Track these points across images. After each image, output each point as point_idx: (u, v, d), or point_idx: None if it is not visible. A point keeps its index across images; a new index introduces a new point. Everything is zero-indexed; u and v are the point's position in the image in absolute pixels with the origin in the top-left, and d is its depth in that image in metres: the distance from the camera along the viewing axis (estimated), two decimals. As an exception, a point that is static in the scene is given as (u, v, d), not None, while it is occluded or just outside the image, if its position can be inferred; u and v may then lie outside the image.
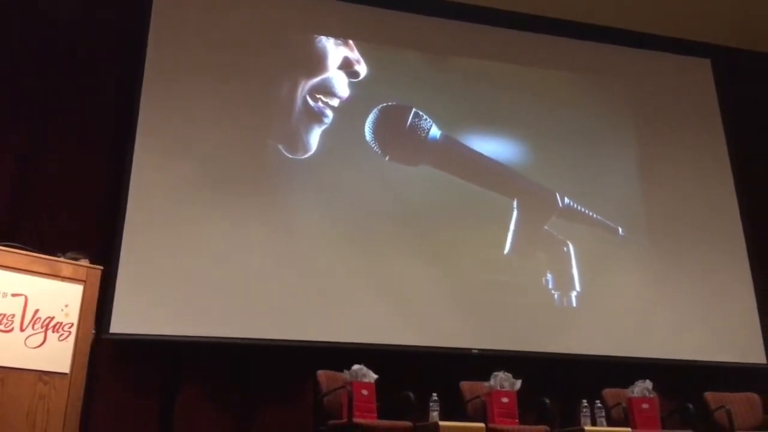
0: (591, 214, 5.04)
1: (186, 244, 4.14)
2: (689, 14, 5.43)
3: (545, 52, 5.38)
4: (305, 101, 4.74)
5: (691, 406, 4.18)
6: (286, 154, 4.57)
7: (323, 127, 4.72)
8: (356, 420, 3.46)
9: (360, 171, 4.68)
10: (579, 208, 5.04)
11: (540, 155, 5.12)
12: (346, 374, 3.69)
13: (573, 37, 5.46)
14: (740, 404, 4.32)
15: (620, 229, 5.04)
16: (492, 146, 5.04)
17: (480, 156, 5.00)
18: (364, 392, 3.60)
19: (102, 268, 3.05)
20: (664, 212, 5.16)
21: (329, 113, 4.76)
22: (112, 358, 3.90)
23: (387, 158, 4.78)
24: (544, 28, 5.40)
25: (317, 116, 4.73)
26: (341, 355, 3.97)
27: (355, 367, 3.69)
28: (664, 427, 4.09)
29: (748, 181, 5.42)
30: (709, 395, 4.35)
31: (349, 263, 4.41)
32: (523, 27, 5.36)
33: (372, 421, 3.52)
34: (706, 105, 5.60)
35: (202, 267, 4.11)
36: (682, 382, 4.59)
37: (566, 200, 5.04)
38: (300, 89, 4.76)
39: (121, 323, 3.86)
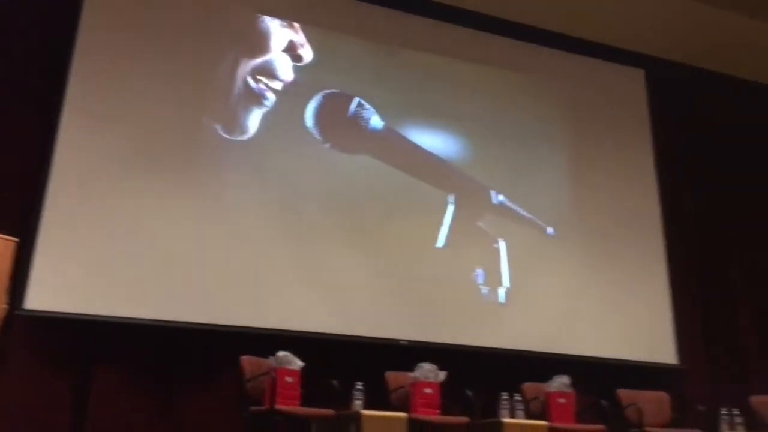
0: (522, 212, 5.16)
1: (111, 220, 4.01)
2: (627, 25, 5.61)
3: (488, 50, 5.44)
4: (246, 82, 4.64)
5: (604, 402, 4.35)
6: (223, 134, 4.48)
7: (263, 109, 4.64)
8: (278, 407, 3.44)
9: (298, 156, 4.64)
10: (511, 205, 5.14)
11: (477, 151, 5.19)
12: (271, 360, 3.66)
13: (516, 38, 5.55)
14: (650, 402, 4.52)
15: (550, 228, 5.18)
16: (431, 140, 5.08)
17: (419, 149, 5.03)
18: (289, 379, 3.58)
19: (17, 240, 2.91)
20: (591, 214, 5.33)
21: (270, 96, 4.68)
22: (26, 335, 3.74)
23: (327, 146, 4.75)
24: (489, 26, 5.47)
25: (257, 98, 4.65)
26: (268, 341, 3.93)
27: (281, 353, 3.67)
28: (578, 422, 4.24)
29: (669, 190, 5.65)
30: (621, 392, 4.53)
31: (280, 249, 4.37)
32: (468, 24, 5.41)
33: (294, 408, 3.50)
34: (637, 114, 5.80)
35: (127, 245, 4.00)
36: (599, 378, 4.76)
37: (500, 197, 5.14)
38: (241, 69, 4.66)
39: (37, 299, 3.70)
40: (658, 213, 5.51)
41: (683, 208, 5.72)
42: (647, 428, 4.27)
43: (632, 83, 5.87)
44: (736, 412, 4.42)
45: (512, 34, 5.54)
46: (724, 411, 4.43)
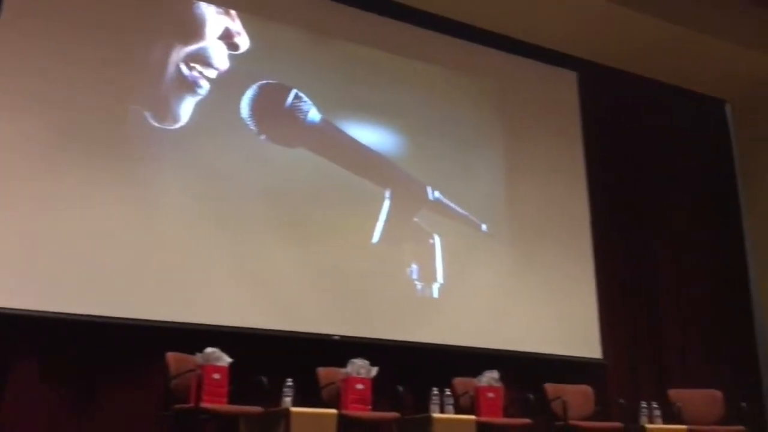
0: (458, 209, 5.21)
1: (32, 211, 3.82)
2: (561, 27, 5.72)
3: (427, 46, 5.45)
4: (178, 69, 4.50)
5: (531, 396, 4.46)
6: (153, 122, 4.33)
7: (196, 97, 4.51)
8: (204, 405, 3.35)
9: (232, 148, 4.53)
10: (447, 202, 5.18)
11: (414, 148, 5.20)
12: (197, 357, 3.57)
13: (455, 36, 5.57)
14: (575, 396, 4.66)
15: (484, 225, 5.25)
16: (369, 134, 5.05)
17: (357, 143, 5.00)
18: (216, 376, 3.50)
19: None
20: (524, 212, 5.44)
21: (204, 84, 4.55)
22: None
23: (263, 137, 4.66)
24: (428, 23, 5.47)
25: (190, 86, 4.51)
26: (198, 337, 3.83)
27: (208, 350, 3.58)
28: (506, 416, 4.32)
29: (598, 190, 5.82)
30: (548, 386, 4.65)
31: (211, 242, 4.26)
32: (408, 20, 5.40)
33: (220, 405, 3.43)
34: (569, 115, 5.94)
35: (47, 234, 3.82)
36: (527, 373, 4.87)
37: (436, 194, 5.17)
38: (174, 56, 4.51)
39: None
40: (587, 212, 5.67)
41: (611, 208, 5.90)
42: (571, 421, 4.39)
43: (565, 85, 6.00)
44: (654, 405, 4.60)
45: (451, 32, 5.56)
46: (643, 404, 4.60)
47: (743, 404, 4.68)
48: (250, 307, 4.24)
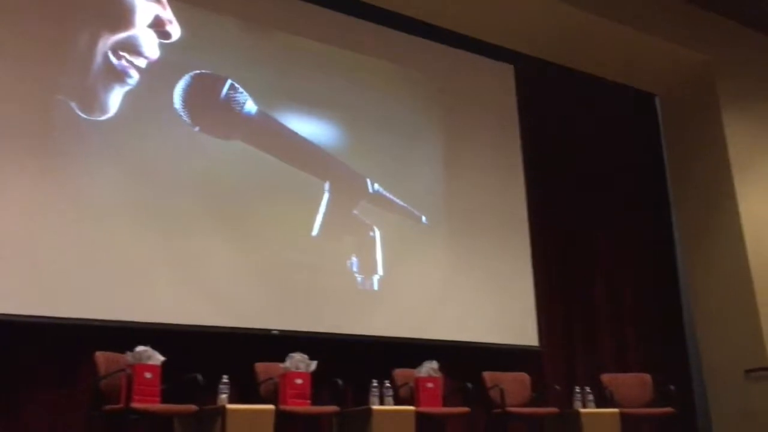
0: (398, 201, 5.21)
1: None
2: (499, 20, 5.80)
3: (366, 38, 5.43)
4: (106, 58, 4.33)
5: (469, 384, 4.52)
6: (79, 113, 4.15)
7: (126, 88, 4.36)
8: (135, 405, 3.25)
9: (165, 140, 4.40)
10: (387, 195, 5.18)
11: (353, 140, 5.18)
12: (128, 356, 3.46)
13: (393, 28, 5.57)
14: (512, 383, 4.75)
15: (423, 218, 5.28)
16: (307, 127, 5.00)
17: (295, 135, 4.94)
18: (148, 375, 3.40)
19: None
20: (463, 205, 5.49)
21: (134, 74, 4.40)
22: None
23: (197, 129, 4.54)
24: (368, 15, 5.45)
25: (119, 75, 4.35)
26: (129, 335, 3.72)
27: (139, 348, 3.47)
28: (445, 405, 4.37)
29: (535, 184, 5.94)
30: (486, 375, 4.73)
31: (143, 237, 4.13)
32: (347, 11, 5.37)
33: (152, 405, 3.33)
34: (507, 108, 6.02)
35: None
36: (467, 362, 4.93)
37: (376, 186, 5.16)
38: (101, 44, 4.34)
39: None
40: (524, 204, 5.77)
41: (547, 200, 6.03)
42: (508, 408, 4.48)
43: (502, 78, 6.08)
44: (588, 389, 4.73)
45: (390, 24, 5.56)
46: (577, 389, 4.73)
47: (671, 387, 4.87)
48: (184, 304, 4.14)
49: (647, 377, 5.10)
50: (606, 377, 5.06)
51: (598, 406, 4.69)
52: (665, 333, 6.31)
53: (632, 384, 5.03)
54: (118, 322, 3.87)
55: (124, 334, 3.75)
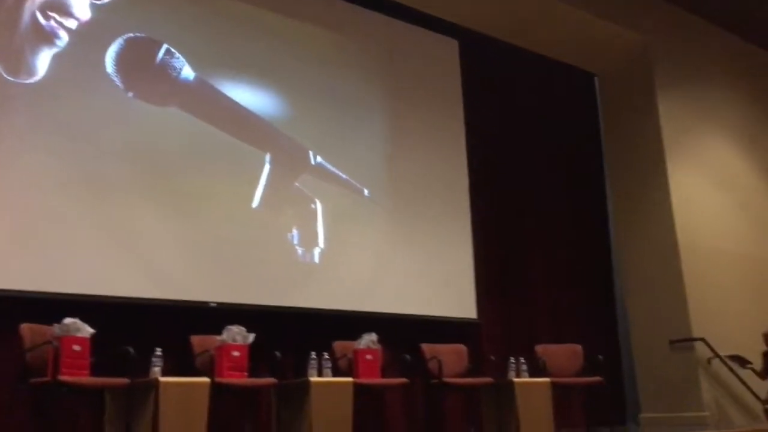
0: (340, 174, 5.18)
1: None
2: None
3: (310, 7, 5.32)
4: (34, 17, 4.11)
5: (408, 356, 4.58)
6: (4, 74, 3.94)
7: (54, 49, 4.16)
8: (62, 378, 3.16)
9: (97, 105, 4.23)
10: (329, 167, 5.15)
11: (296, 111, 5.10)
12: (55, 328, 3.34)
13: (339, -2, 5.48)
14: (450, 354, 4.84)
15: (366, 191, 5.27)
16: (248, 96, 4.89)
17: (235, 104, 4.82)
18: (76, 348, 3.30)
19: None
20: (405, 178, 5.50)
21: (63, 35, 4.20)
22: None
23: (130, 95, 4.38)
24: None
25: (48, 36, 4.15)
26: (58, 307, 3.60)
27: (67, 320, 3.36)
28: (384, 376, 4.42)
29: (476, 158, 5.99)
30: (424, 346, 4.80)
31: (74, 206, 3.98)
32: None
33: (81, 378, 3.24)
34: (451, 82, 6.03)
35: None
36: (406, 334, 4.99)
37: (318, 158, 5.11)
38: (28, 3, 4.12)
39: None
40: (466, 178, 5.83)
41: (488, 175, 6.11)
42: (445, 378, 4.57)
43: (446, 52, 6.08)
44: (522, 360, 4.87)
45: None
46: (512, 359, 4.86)
47: (600, 357, 5.06)
48: (116, 275, 4.02)
49: (578, 348, 5.28)
50: (539, 348, 5.22)
51: (531, 376, 4.83)
52: (597, 305, 6.54)
53: (564, 354, 5.20)
54: (45, 294, 3.73)
55: (51, 306, 3.62)
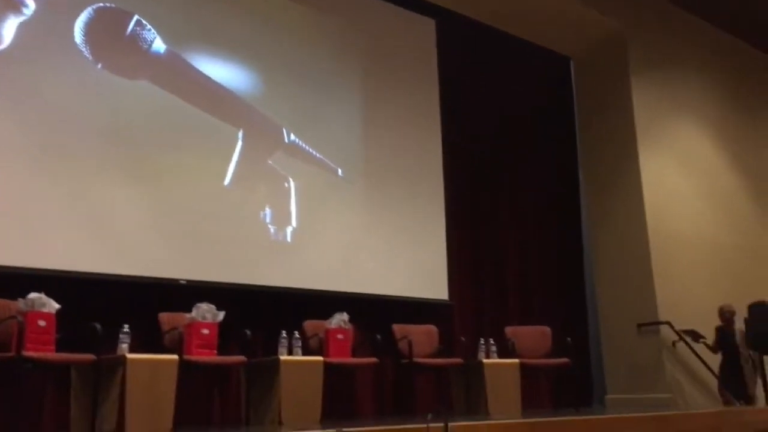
0: (314, 152, 5.14)
1: None
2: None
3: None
4: (-1, -17, 3.97)
5: (378, 336, 4.59)
6: (-34, 42, 3.81)
7: (20, 18, 4.03)
8: (27, 353, 3.10)
9: (65, 76, 4.12)
10: (304, 145, 5.10)
11: (270, 88, 5.03)
12: (20, 303, 3.28)
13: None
14: (420, 335, 4.87)
15: (339, 170, 5.24)
16: (221, 71, 4.80)
17: (207, 79, 4.74)
18: (41, 323, 3.25)
19: None
20: (380, 159, 5.47)
21: (30, 3, 4.08)
22: None
23: (99, 66, 4.27)
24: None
25: (14, 4, 4.03)
26: (23, 282, 3.52)
27: (32, 295, 3.30)
28: (354, 356, 4.43)
29: (451, 140, 5.99)
30: (396, 327, 4.82)
31: (40, 180, 3.89)
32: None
33: (46, 354, 3.19)
34: (427, 63, 6.00)
35: None
36: (378, 315, 5.01)
37: (292, 136, 5.06)
38: (-8, -33, 3.97)
39: None
40: (440, 160, 5.82)
41: (462, 157, 6.12)
42: (416, 359, 4.59)
43: (423, 32, 6.04)
44: (492, 341, 4.92)
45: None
46: (482, 341, 4.91)
47: (568, 339, 5.13)
48: (83, 250, 3.95)
49: (547, 330, 5.35)
50: (509, 329, 5.28)
51: (500, 357, 4.89)
52: (567, 288, 6.62)
53: (533, 336, 5.27)
54: (9, 268, 3.64)
55: (15, 280, 3.54)
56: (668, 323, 5.99)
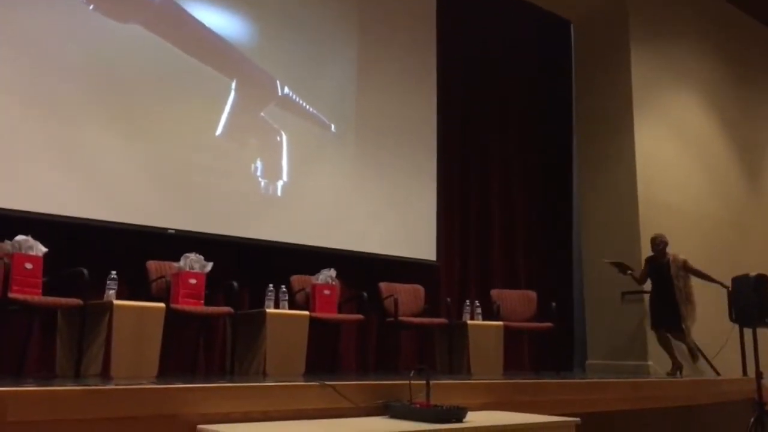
0: (308, 107, 5.08)
1: None
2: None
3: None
4: None
5: (365, 294, 4.62)
6: (-48, -23, 3.69)
7: (8, -46, 3.89)
8: (13, 295, 3.10)
9: (54, 17, 4.02)
10: (297, 99, 5.03)
11: (265, 39, 4.94)
12: (6, 245, 3.26)
13: None
14: (407, 294, 4.91)
15: (333, 126, 5.19)
16: (215, 20, 4.70)
17: (201, 26, 4.64)
18: (28, 266, 3.24)
19: None
20: (373, 116, 5.41)
21: (18, -62, 3.92)
22: None
23: (90, 7, 4.17)
24: None
25: (1, -62, 3.87)
26: (10, 224, 3.50)
27: (20, 237, 3.28)
28: (340, 312, 4.46)
29: (446, 100, 5.93)
30: (383, 285, 4.85)
31: (28, 124, 3.82)
32: None
33: (32, 296, 3.19)
34: (425, 22, 5.90)
35: None
36: (366, 272, 5.03)
37: (286, 89, 4.99)
38: None
39: None
40: (434, 118, 5.78)
41: (457, 118, 6.08)
42: (401, 317, 4.64)
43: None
44: (477, 303, 4.97)
45: None
46: (467, 302, 4.96)
47: (552, 304, 5.19)
48: (73, 196, 3.91)
49: (532, 294, 5.41)
50: (495, 292, 5.33)
51: (485, 319, 4.95)
52: (554, 253, 6.67)
53: (518, 300, 5.33)
54: (-2, 210, 3.62)
55: (2, 222, 3.52)
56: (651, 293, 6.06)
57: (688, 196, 6.80)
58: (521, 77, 6.70)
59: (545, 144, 6.82)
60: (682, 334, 5.37)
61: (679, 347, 5.53)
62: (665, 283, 5.43)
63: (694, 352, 5.45)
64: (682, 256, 5.50)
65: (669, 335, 5.43)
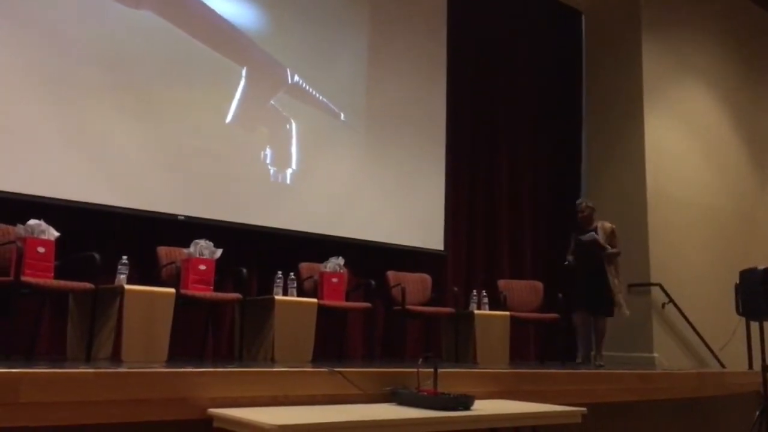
0: (318, 95, 5.08)
1: None
2: None
3: None
4: None
5: (373, 282, 4.64)
6: (-34, -39, 3.71)
7: (21, -62, 3.90)
8: (25, 278, 3.14)
9: (67, 2, 4.03)
10: (307, 87, 5.04)
11: (276, 27, 4.94)
12: (19, 229, 3.29)
13: None
14: (414, 283, 4.92)
15: (342, 115, 5.19)
16: (227, 7, 4.71)
17: (213, 13, 4.64)
18: (41, 249, 3.27)
19: None
20: (383, 105, 5.42)
21: None
22: None
23: (102, -8, 4.17)
24: None
25: None
26: (24, 208, 3.54)
27: (32, 221, 3.31)
28: (348, 300, 4.49)
29: (456, 90, 5.91)
30: (390, 274, 4.87)
31: (40, 107, 3.86)
32: None
33: (45, 280, 3.22)
34: (436, 9, 5.87)
35: None
36: (374, 261, 5.05)
37: (296, 77, 4.99)
38: None
39: None
40: (444, 108, 5.77)
41: (467, 107, 6.06)
42: (408, 306, 4.66)
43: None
44: (484, 293, 4.98)
45: None
46: (474, 292, 4.97)
47: (560, 295, 5.19)
48: (84, 181, 3.95)
49: (539, 285, 5.41)
50: (502, 282, 5.34)
51: (492, 309, 4.96)
52: (561, 245, 6.64)
53: (525, 290, 5.34)
54: (10, 194, 3.65)
55: (15, 206, 3.56)
56: (659, 285, 6.06)
57: (697, 189, 6.79)
58: (532, 67, 6.68)
59: (555, 135, 6.79)
60: (604, 318, 5.06)
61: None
62: (592, 259, 5.01)
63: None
64: (608, 224, 5.11)
65: (592, 318, 5.07)
